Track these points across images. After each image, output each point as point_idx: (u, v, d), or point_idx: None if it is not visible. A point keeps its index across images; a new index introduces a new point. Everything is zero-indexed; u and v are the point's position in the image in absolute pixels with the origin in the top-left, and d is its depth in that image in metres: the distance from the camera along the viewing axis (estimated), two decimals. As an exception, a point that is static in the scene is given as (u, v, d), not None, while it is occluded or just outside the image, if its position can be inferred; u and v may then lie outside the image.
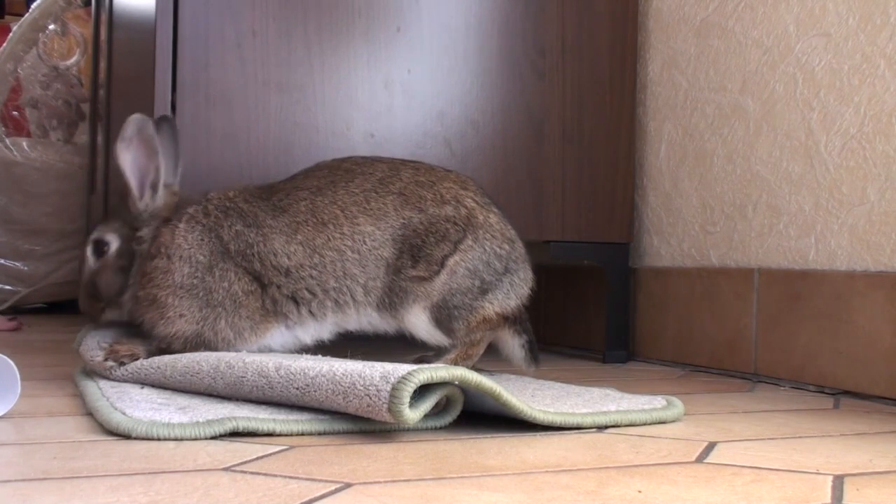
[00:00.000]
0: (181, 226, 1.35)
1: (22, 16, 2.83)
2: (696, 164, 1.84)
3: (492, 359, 1.49)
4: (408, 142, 1.73)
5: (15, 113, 2.74)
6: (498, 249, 1.41)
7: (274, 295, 1.35)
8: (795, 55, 1.63)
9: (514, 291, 1.43)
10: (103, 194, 2.28)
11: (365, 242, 1.37)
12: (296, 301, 1.36)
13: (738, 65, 1.75)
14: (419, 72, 1.75)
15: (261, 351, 1.35)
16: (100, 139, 2.40)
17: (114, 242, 1.41)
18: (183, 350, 1.31)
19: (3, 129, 2.71)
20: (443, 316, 1.37)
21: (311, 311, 1.36)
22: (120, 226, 1.42)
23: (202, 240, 1.35)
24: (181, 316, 1.32)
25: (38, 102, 2.76)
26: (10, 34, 2.74)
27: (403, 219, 1.39)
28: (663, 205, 1.93)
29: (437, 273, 1.37)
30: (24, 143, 2.70)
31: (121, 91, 2.12)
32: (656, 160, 1.94)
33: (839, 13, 1.55)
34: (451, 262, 1.38)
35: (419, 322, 1.38)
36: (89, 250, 1.44)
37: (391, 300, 1.37)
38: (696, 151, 1.85)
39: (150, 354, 1.31)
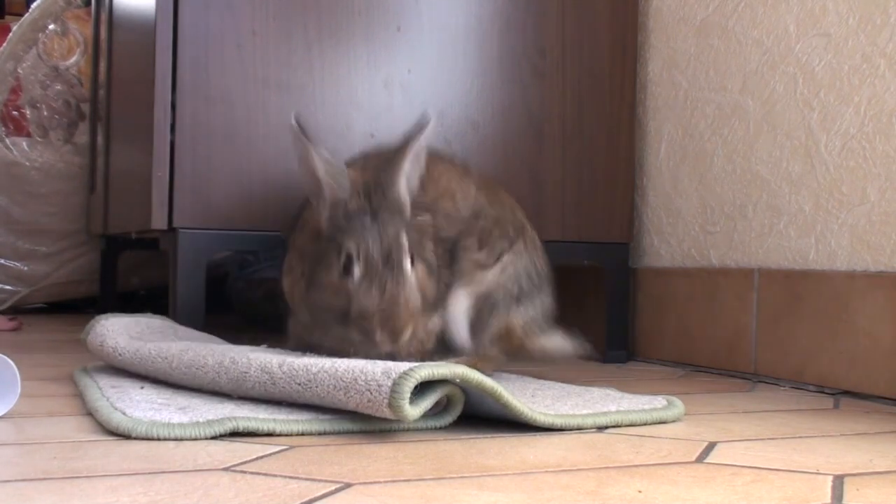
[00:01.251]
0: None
1: (22, 16, 2.82)
2: (696, 164, 1.84)
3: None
4: (408, 142, 1.73)
5: (15, 113, 2.74)
6: (538, 265, 1.46)
7: None
8: (795, 55, 1.63)
9: (540, 307, 1.46)
10: (103, 194, 2.28)
11: (461, 212, 1.40)
12: None
13: (738, 65, 1.75)
14: (419, 72, 1.75)
15: None
16: (100, 139, 2.40)
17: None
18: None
19: (3, 129, 2.70)
20: (479, 310, 1.38)
21: None
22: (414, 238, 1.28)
23: None
24: None
25: (38, 102, 2.76)
26: (10, 34, 2.73)
27: (479, 203, 1.42)
28: (663, 205, 1.93)
29: (493, 265, 1.40)
30: (24, 143, 2.70)
31: (121, 91, 2.12)
32: (656, 160, 1.94)
33: (839, 13, 1.55)
34: (505, 259, 1.41)
35: (459, 306, 1.38)
36: (412, 265, 1.24)
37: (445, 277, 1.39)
38: (696, 151, 1.85)
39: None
